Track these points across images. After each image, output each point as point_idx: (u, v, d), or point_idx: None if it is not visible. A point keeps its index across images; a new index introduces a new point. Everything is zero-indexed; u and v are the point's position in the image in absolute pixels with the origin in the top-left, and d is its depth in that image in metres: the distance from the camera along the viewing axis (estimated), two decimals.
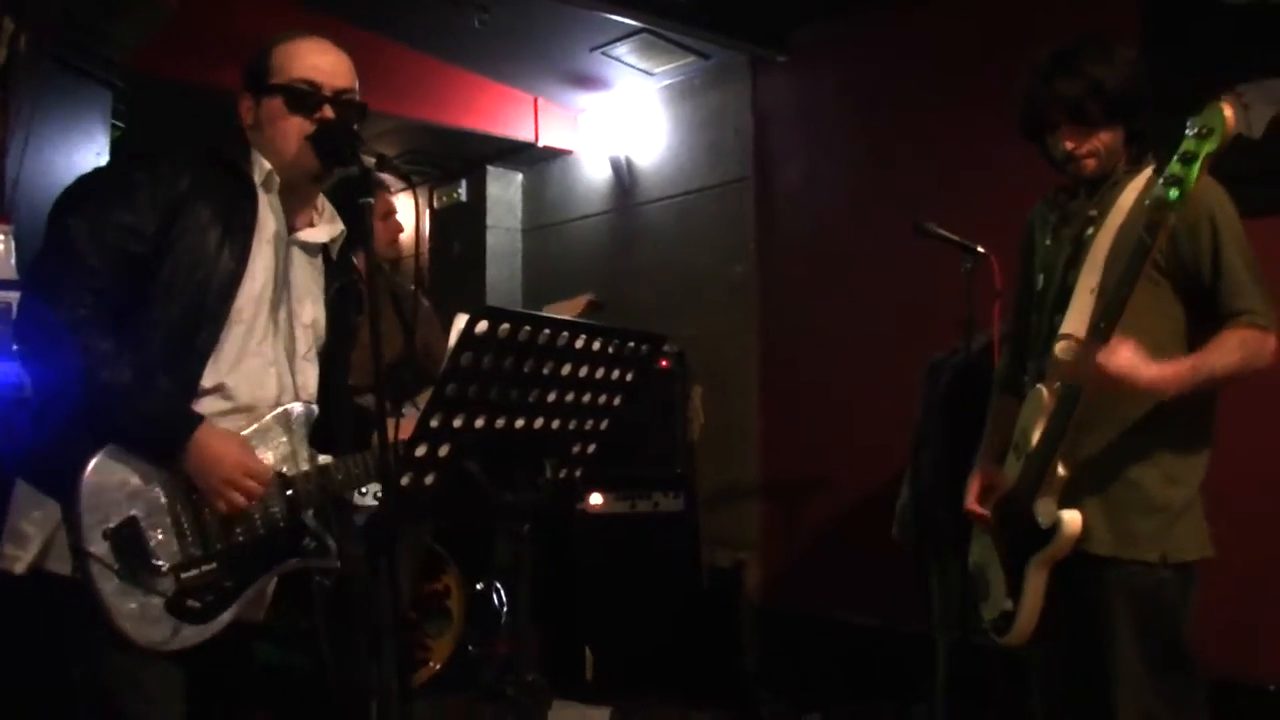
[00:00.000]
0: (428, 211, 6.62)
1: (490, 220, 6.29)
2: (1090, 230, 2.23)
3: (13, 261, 3.24)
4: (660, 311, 5.21)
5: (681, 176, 5.37)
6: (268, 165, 1.95)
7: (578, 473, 2.00)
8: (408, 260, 5.87)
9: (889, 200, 4.33)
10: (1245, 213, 2.17)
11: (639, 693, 4.14)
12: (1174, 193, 1.96)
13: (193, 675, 1.86)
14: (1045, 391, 2.20)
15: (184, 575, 1.79)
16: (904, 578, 3.55)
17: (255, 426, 1.92)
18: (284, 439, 1.95)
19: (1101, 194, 2.25)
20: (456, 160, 6.29)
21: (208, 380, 1.87)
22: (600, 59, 5.11)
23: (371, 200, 1.90)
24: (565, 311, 4.16)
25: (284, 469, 1.93)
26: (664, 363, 4.69)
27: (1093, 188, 2.27)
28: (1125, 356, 2.01)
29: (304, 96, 1.94)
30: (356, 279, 2.17)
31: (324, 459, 2.00)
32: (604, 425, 1.98)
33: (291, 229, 2.02)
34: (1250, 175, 2.76)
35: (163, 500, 1.80)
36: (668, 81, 5.36)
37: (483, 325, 1.69)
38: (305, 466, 1.97)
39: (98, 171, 2.04)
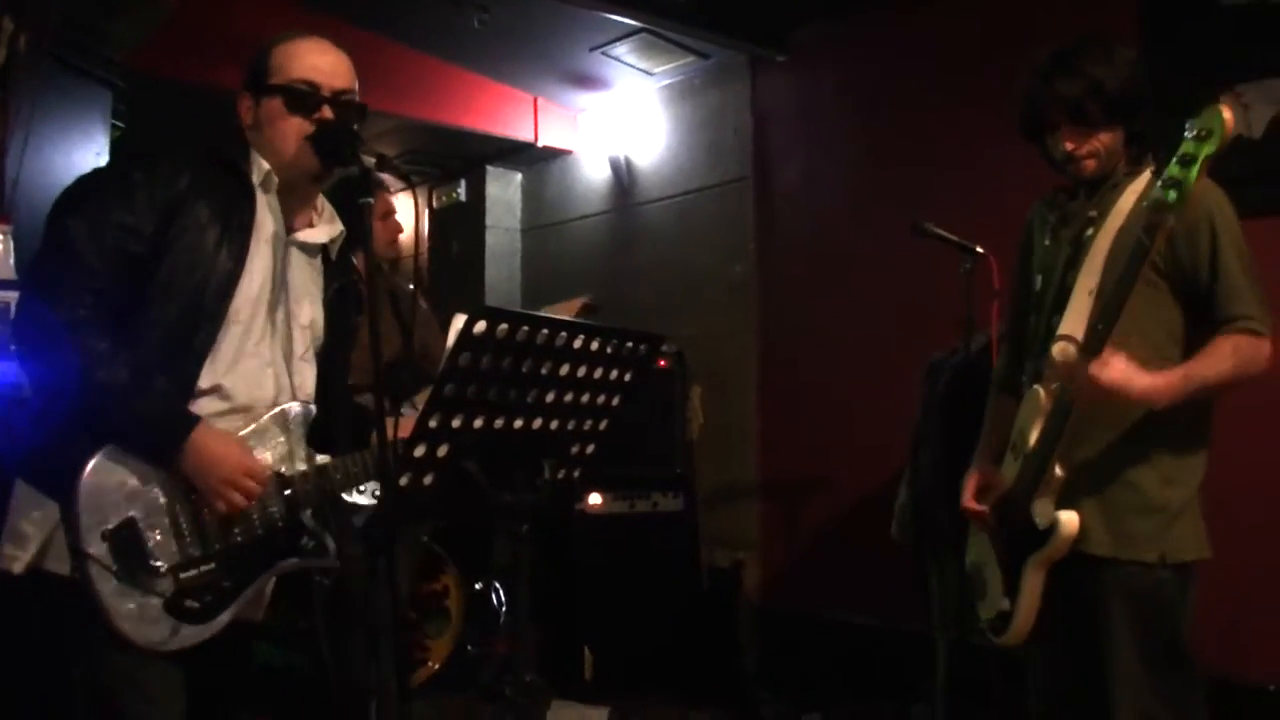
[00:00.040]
0: (427, 211, 6.62)
1: (489, 220, 6.28)
2: (1089, 231, 2.22)
3: (12, 261, 3.25)
4: (659, 311, 5.21)
5: (681, 176, 5.37)
6: (266, 165, 1.95)
7: (576, 473, 2.00)
8: (407, 260, 5.87)
9: (889, 200, 4.32)
10: (1244, 213, 2.18)
11: (638, 693, 4.13)
12: (1173, 195, 1.96)
13: (192, 675, 1.86)
14: (1043, 392, 2.20)
15: (183, 575, 1.79)
16: (903, 577, 3.55)
17: (253, 427, 1.92)
18: (281, 439, 1.95)
19: (1101, 195, 2.25)
20: (456, 160, 6.29)
21: (205, 381, 1.87)
22: (600, 59, 5.10)
23: (371, 200, 1.90)
24: (560, 313, 4.16)
25: (282, 469, 1.94)
26: (663, 363, 4.69)
27: (1092, 189, 2.26)
28: (1118, 368, 2.01)
29: (303, 97, 1.94)
30: (356, 279, 2.17)
31: (322, 459, 2.00)
32: (603, 425, 1.97)
33: (291, 229, 2.02)
34: (1249, 176, 2.76)
35: (161, 501, 1.81)
36: (667, 81, 5.36)
37: (481, 325, 1.68)
38: (303, 466, 1.97)
39: (97, 172, 2.04)
